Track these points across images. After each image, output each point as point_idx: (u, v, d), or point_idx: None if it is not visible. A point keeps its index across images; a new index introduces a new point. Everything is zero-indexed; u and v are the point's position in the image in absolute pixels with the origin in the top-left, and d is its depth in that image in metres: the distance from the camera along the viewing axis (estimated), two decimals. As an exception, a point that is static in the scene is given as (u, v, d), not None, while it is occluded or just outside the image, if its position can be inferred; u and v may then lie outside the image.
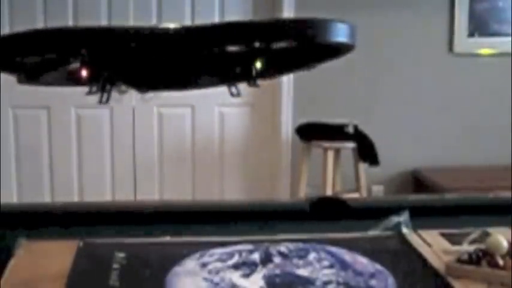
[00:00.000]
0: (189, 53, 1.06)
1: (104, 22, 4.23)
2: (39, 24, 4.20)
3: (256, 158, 4.56)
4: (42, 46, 1.08)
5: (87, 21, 4.14)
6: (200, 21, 4.35)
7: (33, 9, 4.24)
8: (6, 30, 4.06)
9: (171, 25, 1.11)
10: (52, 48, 1.04)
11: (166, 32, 1.04)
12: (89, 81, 1.10)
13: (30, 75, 1.26)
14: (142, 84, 1.22)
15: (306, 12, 4.37)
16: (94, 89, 1.09)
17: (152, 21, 4.26)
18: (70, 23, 4.24)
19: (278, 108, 4.49)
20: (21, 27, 1.33)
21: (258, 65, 1.13)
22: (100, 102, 1.15)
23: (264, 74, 1.15)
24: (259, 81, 1.18)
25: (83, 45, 1.02)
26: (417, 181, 4.57)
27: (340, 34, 1.16)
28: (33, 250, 1.55)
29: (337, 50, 1.28)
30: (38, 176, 4.43)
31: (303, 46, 1.13)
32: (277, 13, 4.39)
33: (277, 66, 1.22)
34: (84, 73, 1.07)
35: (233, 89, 1.16)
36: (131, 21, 4.24)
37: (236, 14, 4.41)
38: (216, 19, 4.39)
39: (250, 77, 1.12)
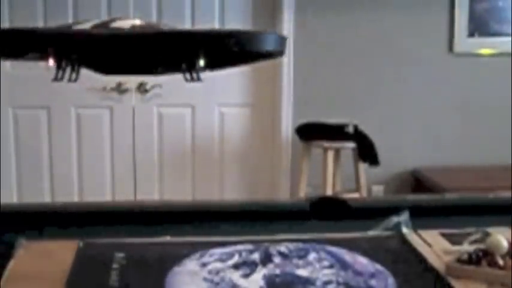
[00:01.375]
0: (137, 53, 1.30)
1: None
2: (39, 24, 4.20)
3: (256, 158, 4.56)
4: (16, 43, 1.33)
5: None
6: (200, 20, 4.36)
7: (33, 9, 4.24)
8: (6, 30, 4.06)
9: (130, 23, 1.33)
10: (24, 46, 1.30)
11: (117, 35, 1.26)
12: (59, 64, 1.31)
13: (10, 56, 1.46)
14: (105, 69, 1.42)
15: (306, 12, 4.38)
16: (60, 75, 1.30)
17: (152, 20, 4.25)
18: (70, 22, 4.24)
19: (278, 108, 4.49)
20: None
21: (201, 63, 1.33)
22: (69, 80, 1.35)
23: (207, 68, 1.38)
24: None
25: (49, 45, 1.27)
26: (417, 181, 4.56)
27: (266, 44, 1.40)
28: (33, 250, 1.55)
29: (268, 55, 1.55)
30: (38, 176, 4.43)
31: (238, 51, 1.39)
32: (277, 12, 4.39)
33: (218, 63, 1.46)
34: (51, 62, 1.31)
35: (188, 76, 1.36)
36: (131, 14, 4.24)
37: (236, 13, 4.41)
38: (216, 18, 4.39)
39: (195, 71, 1.33)
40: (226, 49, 1.35)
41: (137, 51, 1.32)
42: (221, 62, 1.48)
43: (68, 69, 1.33)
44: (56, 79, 1.31)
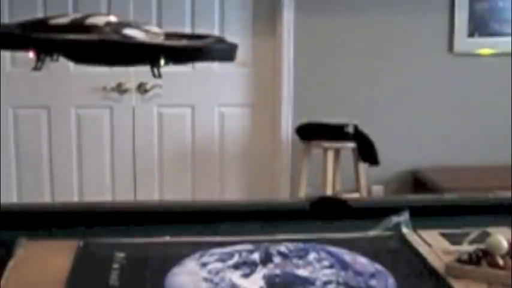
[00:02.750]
0: (106, 56, 1.50)
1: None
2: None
3: (256, 158, 4.56)
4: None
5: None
6: (200, 20, 4.36)
7: (33, 7, 4.23)
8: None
9: (104, 20, 1.51)
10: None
11: (82, 41, 1.44)
12: (38, 57, 1.48)
13: None
14: (80, 59, 1.62)
15: (306, 12, 4.37)
16: (39, 65, 1.45)
17: (153, 20, 4.25)
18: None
19: (278, 108, 4.49)
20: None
21: (161, 62, 1.47)
22: (51, 60, 1.49)
23: (168, 63, 1.52)
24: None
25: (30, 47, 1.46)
26: (417, 181, 4.56)
27: (214, 56, 1.65)
28: (33, 250, 1.55)
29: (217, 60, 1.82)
30: (38, 176, 4.43)
31: None
32: (277, 13, 4.39)
33: (178, 60, 1.65)
34: (31, 55, 1.46)
35: (155, 71, 1.48)
36: (131, 14, 4.23)
37: (236, 13, 4.41)
38: (216, 18, 4.39)
39: (156, 69, 1.48)
40: (178, 59, 1.60)
41: (105, 55, 1.51)
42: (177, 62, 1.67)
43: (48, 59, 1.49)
44: (35, 68, 1.44)
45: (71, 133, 4.42)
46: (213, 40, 1.60)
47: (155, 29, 1.50)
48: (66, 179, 4.43)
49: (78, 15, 1.54)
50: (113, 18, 1.51)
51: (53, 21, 1.50)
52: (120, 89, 4.37)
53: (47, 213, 1.82)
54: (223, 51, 1.59)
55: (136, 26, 1.49)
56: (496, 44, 4.57)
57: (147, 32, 1.48)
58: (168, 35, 1.55)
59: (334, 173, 4.16)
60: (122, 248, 1.56)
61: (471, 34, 4.54)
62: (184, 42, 1.53)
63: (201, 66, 4.27)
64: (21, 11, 4.20)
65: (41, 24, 1.50)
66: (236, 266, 1.42)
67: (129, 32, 1.45)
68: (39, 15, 4.21)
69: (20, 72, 4.21)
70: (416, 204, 1.88)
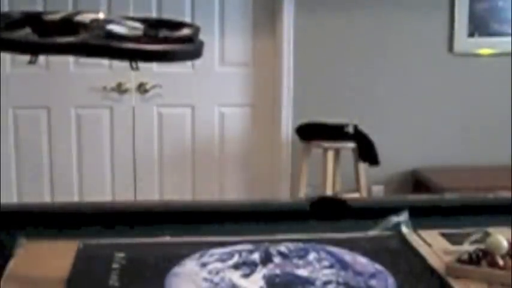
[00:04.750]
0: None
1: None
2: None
3: (256, 158, 4.56)
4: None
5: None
6: (200, 20, 4.35)
7: (32, 4, 4.21)
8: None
9: (91, 17, 1.61)
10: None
11: (64, 43, 1.55)
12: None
13: None
14: (68, 54, 1.74)
15: (306, 12, 4.37)
16: (34, 59, 1.55)
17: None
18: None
19: (278, 108, 4.49)
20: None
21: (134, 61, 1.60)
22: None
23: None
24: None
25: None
26: (417, 181, 4.56)
27: (181, 57, 1.76)
28: (33, 250, 1.55)
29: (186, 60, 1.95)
30: (38, 176, 4.43)
31: None
32: (277, 13, 4.39)
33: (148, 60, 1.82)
34: None
35: (133, 64, 1.59)
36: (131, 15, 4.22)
37: (236, 13, 4.41)
38: (216, 18, 4.39)
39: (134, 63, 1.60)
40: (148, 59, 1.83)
41: (89, 53, 1.62)
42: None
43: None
44: (30, 62, 1.54)
45: (71, 133, 4.42)
46: (185, 35, 1.67)
47: (136, 25, 1.63)
48: (66, 179, 4.43)
49: (68, 12, 1.65)
50: (100, 15, 1.63)
51: (46, 17, 1.61)
52: (120, 89, 4.37)
53: (47, 213, 1.83)
54: (189, 53, 1.69)
55: (119, 22, 1.61)
56: (496, 44, 4.57)
57: (128, 27, 1.60)
58: (151, 24, 1.65)
59: (334, 173, 4.16)
60: (122, 248, 1.56)
61: (471, 34, 4.54)
62: (153, 47, 1.59)
63: (201, 66, 4.27)
64: (21, 7, 4.20)
65: (36, 19, 1.61)
66: (236, 266, 1.42)
67: (112, 28, 1.56)
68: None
69: (20, 72, 4.22)
70: (416, 204, 1.88)
